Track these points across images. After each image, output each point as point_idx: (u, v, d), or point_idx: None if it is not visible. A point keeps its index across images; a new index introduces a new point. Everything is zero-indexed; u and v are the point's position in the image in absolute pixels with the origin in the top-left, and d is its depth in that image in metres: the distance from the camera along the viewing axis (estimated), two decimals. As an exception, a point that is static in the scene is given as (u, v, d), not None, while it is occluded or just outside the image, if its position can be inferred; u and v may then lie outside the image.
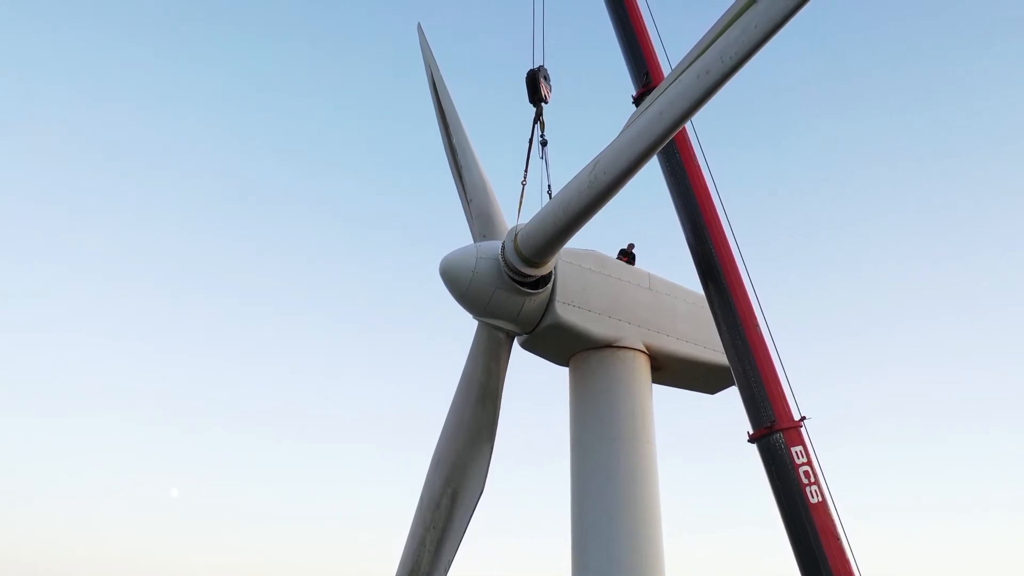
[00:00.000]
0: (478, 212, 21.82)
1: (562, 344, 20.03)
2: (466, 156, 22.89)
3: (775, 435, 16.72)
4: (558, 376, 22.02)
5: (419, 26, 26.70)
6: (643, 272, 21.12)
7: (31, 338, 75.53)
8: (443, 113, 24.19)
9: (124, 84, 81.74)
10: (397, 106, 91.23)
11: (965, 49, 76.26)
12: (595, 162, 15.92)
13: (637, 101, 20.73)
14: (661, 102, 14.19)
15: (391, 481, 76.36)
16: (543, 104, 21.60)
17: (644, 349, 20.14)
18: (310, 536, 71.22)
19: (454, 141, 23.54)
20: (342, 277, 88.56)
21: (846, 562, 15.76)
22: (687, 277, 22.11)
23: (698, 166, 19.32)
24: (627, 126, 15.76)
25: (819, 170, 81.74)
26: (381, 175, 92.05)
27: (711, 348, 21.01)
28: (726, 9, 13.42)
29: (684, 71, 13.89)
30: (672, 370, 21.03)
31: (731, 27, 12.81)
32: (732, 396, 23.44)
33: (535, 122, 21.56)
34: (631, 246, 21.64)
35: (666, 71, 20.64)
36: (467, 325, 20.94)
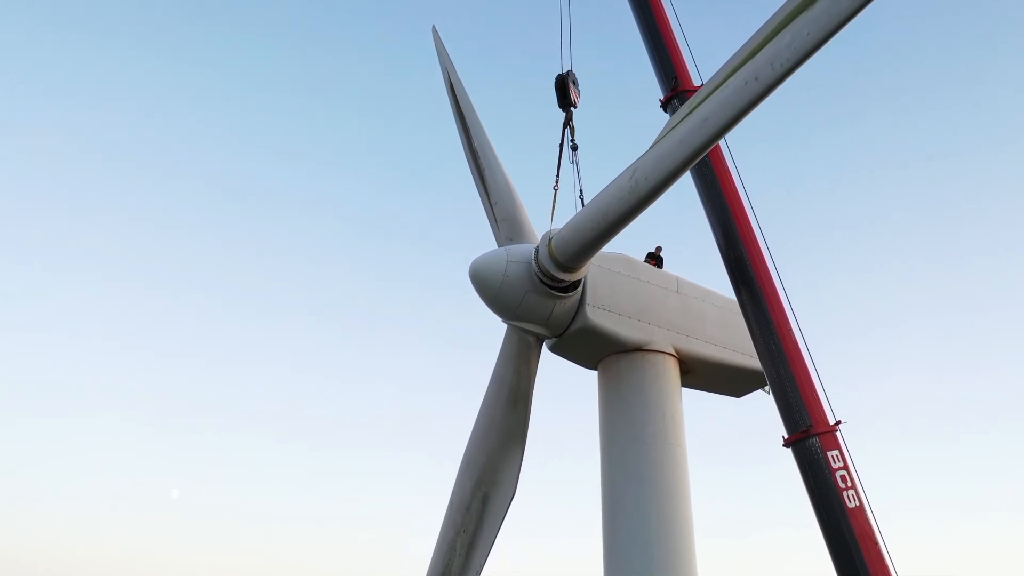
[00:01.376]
0: (503, 215, 21.81)
1: (592, 347, 20.06)
2: (488, 159, 22.88)
3: (811, 439, 16.77)
4: (581, 378, 22.12)
5: (434, 28, 26.65)
6: (671, 275, 21.15)
7: (30, 338, 75.48)
8: (462, 116, 24.18)
9: (138, 88, 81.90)
10: (407, 108, 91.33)
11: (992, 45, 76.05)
12: (634, 168, 15.92)
13: (665, 105, 20.77)
14: (706, 108, 14.19)
15: (391, 482, 76.55)
16: (572, 108, 21.59)
17: (674, 353, 20.18)
18: (310, 536, 71.31)
19: (475, 144, 23.51)
20: (341, 278, 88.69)
21: (885, 567, 15.82)
22: (708, 279, 22.29)
23: (728, 169, 19.37)
24: (665, 131, 15.73)
25: (846, 167, 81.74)
26: (387, 176, 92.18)
27: (740, 352, 21.09)
28: (773, 12, 13.41)
29: (730, 77, 13.86)
30: (701, 373, 21.06)
31: (781, 33, 12.80)
32: (756, 399, 23.71)
33: (565, 127, 21.57)
34: (659, 249, 21.68)
35: (693, 75, 20.73)
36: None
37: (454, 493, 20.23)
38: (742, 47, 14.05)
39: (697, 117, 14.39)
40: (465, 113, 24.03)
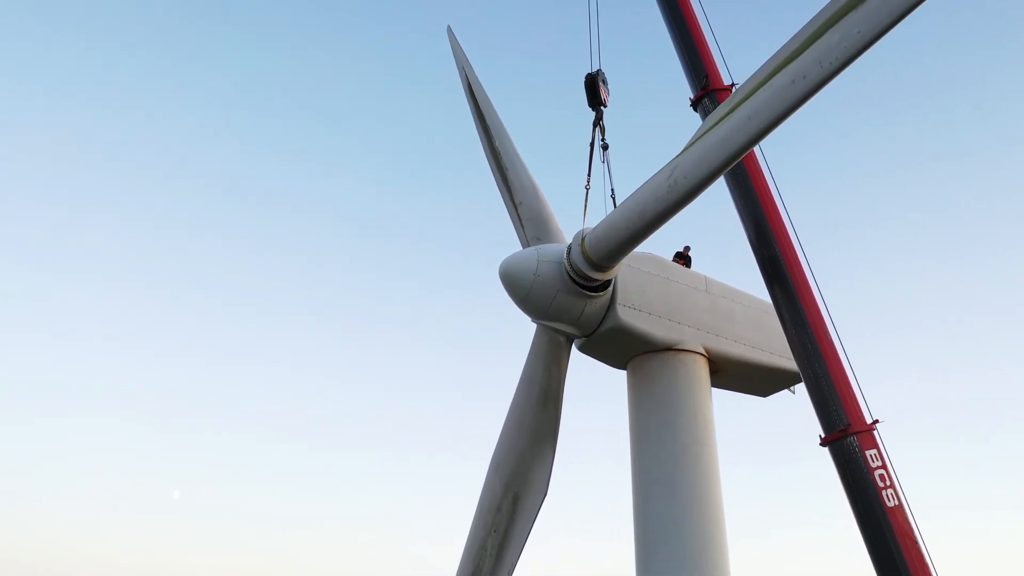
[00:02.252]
0: (529, 215, 21.75)
1: (622, 347, 20.01)
2: (511, 158, 22.81)
3: (849, 439, 16.74)
4: (604, 377, 22.03)
5: (449, 29, 26.58)
6: (699, 275, 21.11)
7: (30, 338, 75.35)
8: (481, 116, 24.10)
9: (140, 87, 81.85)
10: (410, 108, 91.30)
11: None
12: (673, 166, 15.86)
13: (695, 104, 20.74)
14: (750, 106, 14.13)
15: (391, 482, 76.54)
16: (603, 107, 21.54)
17: (704, 352, 20.13)
18: (311, 536, 71.31)
19: (496, 144, 23.44)
20: (340, 277, 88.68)
21: (925, 565, 15.80)
22: (729, 278, 22.26)
23: (759, 167, 19.34)
24: (704, 129, 15.66)
25: (877, 162, 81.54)
26: (387, 175, 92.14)
27: (769, 351, 21.06)
28: (819, 10, 13.37)
29: (774, 75, 13.82)
30: (730, 373, 21.02)
31: (831, 31, 12.76)
32: (782, 398, 23.70)
33: (595, 126, 21.52)
34: (687, 248, 21.66)
35: (723, 74, 20.70)
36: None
37: (483, 494, 20.16)
38: (785, 45, 14.01)
39: (741, 115, 14.33)
40: (485, 113, 23.95)
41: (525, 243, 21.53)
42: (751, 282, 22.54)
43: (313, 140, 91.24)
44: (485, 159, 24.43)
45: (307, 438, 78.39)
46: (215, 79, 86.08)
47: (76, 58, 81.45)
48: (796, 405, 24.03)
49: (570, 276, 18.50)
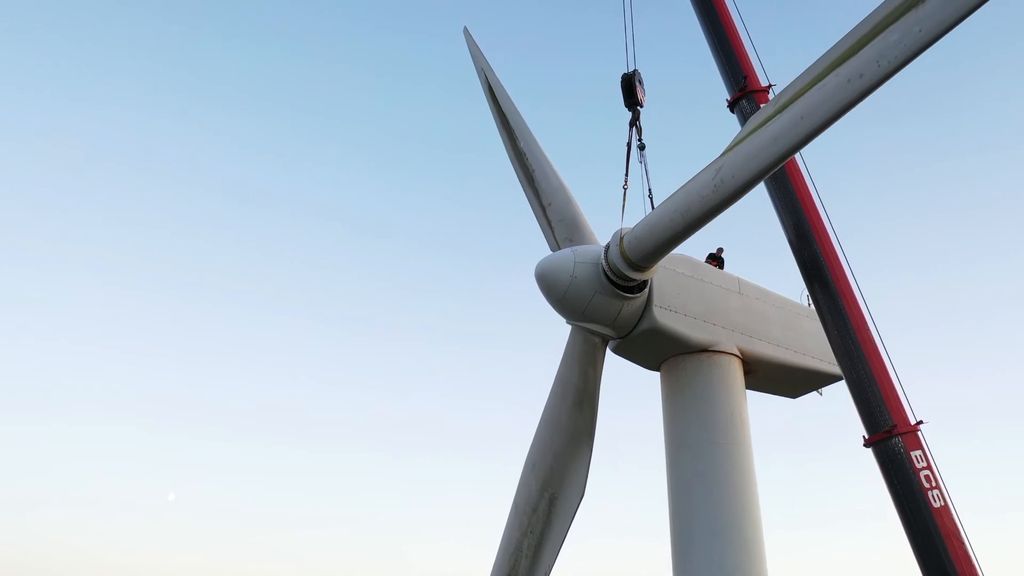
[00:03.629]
0: (560, 216, 21.66)
1: (657, 349, 19.95)
2: (538, 160, 22.71)
3: (893, 439, 16.70)
4: (634, 379, 21.91)
5: (466, 30, 26.45)
6: (733, 276, 21.08)
7: (27, 343, 75.08)
8: (504, 118, 24.01)
9: (149, 91, 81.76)
10: (415, 110, 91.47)
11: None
12: (719, 165, 15.80)
13: (732, 105, 20.73)
14: (802, 105, 14.07)
15: (387, 486, 76.51)
16: (639, 108, 21.52)
17: (738, 353, 20.09)
18: (309, 539, 71.25)
19: (521, 146, 23.34)
20: (339, 280, 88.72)
21: (972, 565, 15.76)
22: (760, 278, 22.21)
23: (798, 167, 19.32)
24: (749, 130, 15.60)
25: (922, 155, 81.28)
26: (388, 178, 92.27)
27: (802, 353, 21.06)
28: (874, 8, 13.32)
29: (827, 74, 13.77)
30: (763, 375, 20.98)
31: (889, 30, 12.71)
32: (810, 400, 23.66)
33: (631, 126, 21.49)
34: (720, 250, 21.64)
35: (760, 75, 20.68)
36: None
37: (518, 495, 20.09)
38: (837, 44, 13.93)
39: (792, 115, 14.26)
40: (508, 115, 23.84)
41: (554, 245, 21.43)
42: (778, 282, 22.60)
43: (314, 142, 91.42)
44: (508, 160, 24.38)
45: (305, 441, 78.65)
46: (218, 83, 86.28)
47: (76, 60, 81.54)
48: (824, 406, 24.09)
49: (607, 277, 18.42)
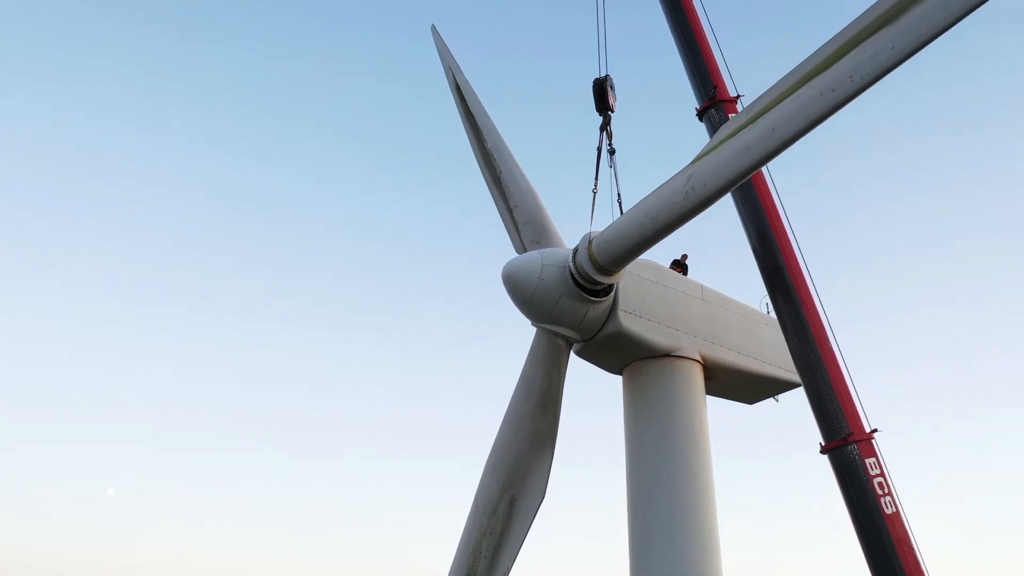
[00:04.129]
0: (527, 219, 21.64)
1: (620, 352, 20.09)
2: (506, 161, 22.64)
3: (849, 447, 17.11)
4: (598, 382, 22.06)
5: (433, 28, 26.29)
6: (696, 283, 21.35)
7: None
8: (472, 118, 23.93)
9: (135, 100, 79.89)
10: (396, 112, 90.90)
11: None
12: (690, 172, 15.99)
13: (701, 114, 21.02)
14: (776, 116, 14.30)
15: (387, 486, 76.21)
16: (610, 113, 21.67)
17: (700, 359, 20.36)
18: (307, 540, 70.79)
19: (489, 146, 23.25)
20: (314, 281, 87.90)
21: (921, 570, 16.22)
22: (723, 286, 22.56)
23: (763, 177, 19.68)
24: (721, 139, 15.81)
25: (875, 169, 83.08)
26: (371, 179, 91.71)
27: (762, 360, 21.41)
28: (844, 24, 13.62)
29: (800, 87, 14.02)
30: (723, 381, 21.29)
31: (862, 45, 12.99)
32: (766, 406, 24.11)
33: (602, 131, 21.63)
34: (684, 256, 21.92)
35: (729, 84, 21.02)
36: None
37: (479, 496, 20.00)
38: (810, 57, 14.17)
39: (764, 126, 14.49)
40: (475, 114, 23.73)
41: (520, 247, 21.42)
42: (740, 290, 22.98)
43: (297, 145, 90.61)
44: (475, 160, 24.30)
45: (305, 441, 78.54)
46: (183, 84, 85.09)
47: (63, 65, 79.60)
48: (779, 412, 24.57)
49: (575, 280, 18.49)
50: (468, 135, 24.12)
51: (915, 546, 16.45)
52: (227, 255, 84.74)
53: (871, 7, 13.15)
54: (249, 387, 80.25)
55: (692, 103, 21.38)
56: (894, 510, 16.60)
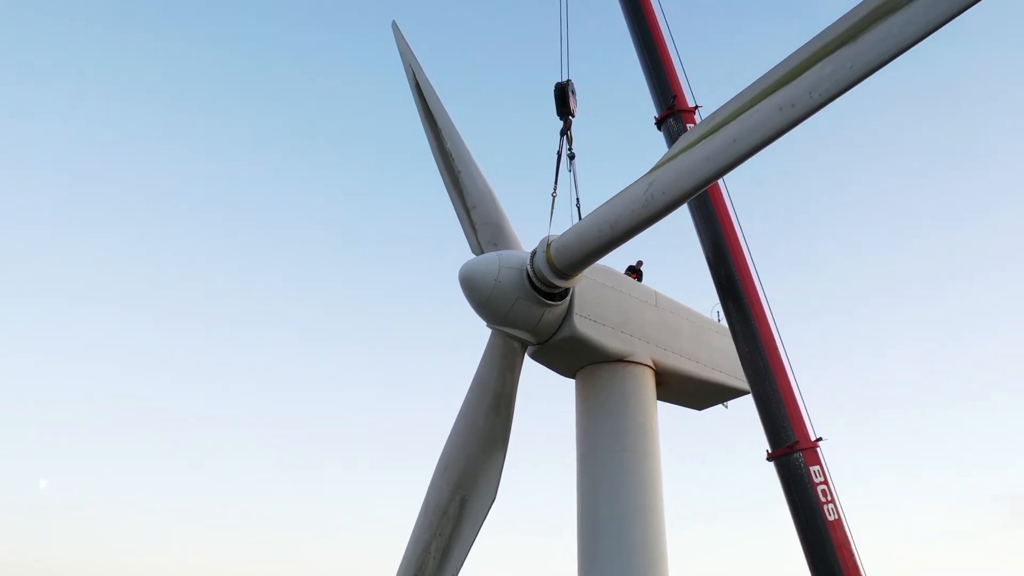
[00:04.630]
0: (484, 220, 21.66)
1: (574, 356, 20.23)
2: (465, 162, 22.62)
3: (795, 455, 17.49)
4: (543, 381, 22.19)
5: (394, 25, 26.15)
6: (650, 289, 21.61)
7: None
8: (431, 117, 23.84)
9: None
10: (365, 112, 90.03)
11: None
12: (650, 180, 16.17)
13: (660, 123, 21.28)
14: (736, 129, 14.54)
15: (386, 487, 75.59)
16: (571, 117, 21.78)
17: (652, 365, 20.60)
18: (307, 540, 70.03)
19: (448, 146, 23.20)
20: (316, 281, 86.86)
21: (859, 575, 16.68)
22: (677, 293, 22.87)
23: (719, 188, 20.01)
24: (680, 148, 16.03)
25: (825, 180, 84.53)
26: (310, 173, 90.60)
27: (711, 367, 21.78)
28: (806, 42, 13.92)
29: (760, 100, 14.28)
30: (673, 387, 21.58)
31: (823, 62, 13.29)
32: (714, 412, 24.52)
33: (563, 135, 21.72)
34: (640, 263, 22.14)
35: (687, 95, 21.33)
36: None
37: (430, 496, 19.94)
38: (771, 71, 14.43)
39: (724, 137, 14.73)
40: (435, 114, 23.66)
41: (477, 248, 21.42)
42: (693, 296, 23.36)
43: (264, 144, 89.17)
44: (433, 160, 24.21)
45: (303, 444, 77.15)
46: (144, 84, 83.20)
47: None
48: (729, 419, 25.00)
49: (531, 283, 18.55)
50: (427, 134, 24.00)
51: (855, 551, 16.91)
52: (194, 254, 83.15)
53: (831, 26, 13.49)
54: (228, 392, 79.14)
55: (652, 111, 21.64)
56: (836, 517, 17.03)
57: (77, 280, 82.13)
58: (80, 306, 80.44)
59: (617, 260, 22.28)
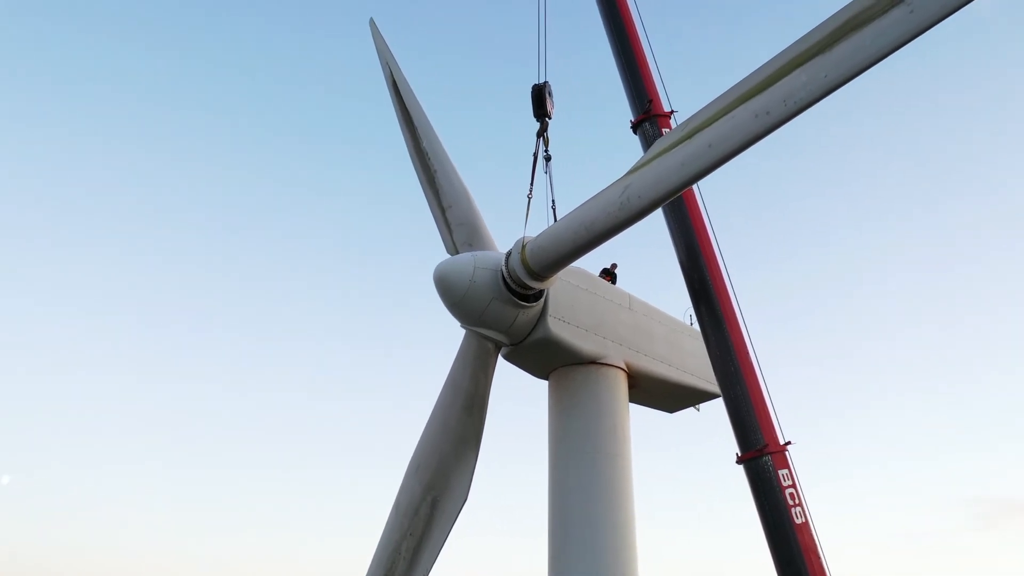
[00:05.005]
0: (460, 220, 21.62)
1: (548, 358, 20.28)
2: (441, 161, 22.56)
3: (764, 458, 17.69)
4: (524, 384, 22.21)
5: (372, 22, 26.03)
6: (624, 292, 21.73)
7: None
8: (408, 115, 23.77)
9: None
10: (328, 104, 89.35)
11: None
12: (626, 184, 16.25)
13: (635, 127, 21.40)
14: (711, 135, 14.66)
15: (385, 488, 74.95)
16: (548, 119, 21.83)
17: (624, 368, 20.71)
18: (306, 541, 69.37)
19: (424, 145, 23.13)
20: (227, 277, 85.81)
21: None
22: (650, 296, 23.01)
23: (693, 193, 20.17)
24: (656, 153, 16.12)
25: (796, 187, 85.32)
26: (296, 176, 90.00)
27: (683, 370, 21.93)
28: (782, 49, 14.07)
29: (736, 107, 14.41)
30: (645, 389, 21.70)
31: (797, 71, 13.45)
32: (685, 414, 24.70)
33: (539, 136, 21.77)
34: (614, 266, 22.25)
35: (663, 100, 21.48)
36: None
37: (401, 496, 19.88)
38: (747, 77, 14.56)
39: (700, 143, 14.84)
40: (411, 112, 23.57)
41: (452, 249, 21.38)
42: (666, 299, 23.50)
43: (203, 139, 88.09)
44: (409, 160, 24.12)
45: (302, 446, 76.36)
46: (115, 83, 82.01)
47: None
48: (701, 422, 25.21)
49: (506, 284, 18.56)
50: (403, 133, 23.91)
51: (822, 554, 17.14)
52: (176, 257, 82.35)
53: (806, 35, 13.64)
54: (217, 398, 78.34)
55: (628, 114, 21.76)
56: (804, 520, 17.25)
57: (78, 280, 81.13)
58: (80, 307, 79.47)
59: (592, 263, 22.44)
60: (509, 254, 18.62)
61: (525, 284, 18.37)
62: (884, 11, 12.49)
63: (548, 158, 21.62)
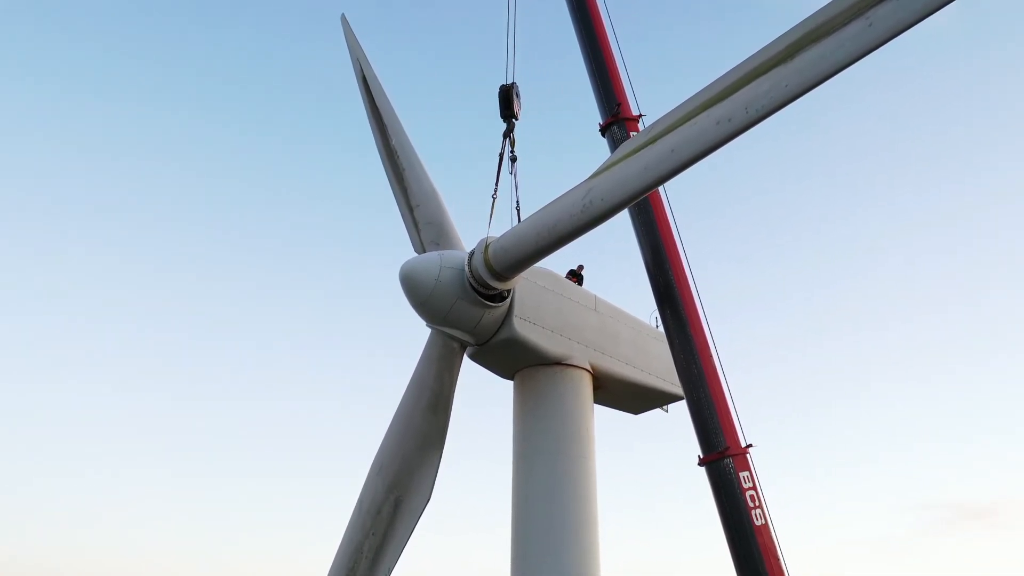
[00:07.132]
0: (428, 219, 21.56)
1: (513, 358, 20.30)
2: (410, 160, 22.48)
3: (725, 460, 17.84)
4: (489, 384, 22.27)
5: (343, 18, 25.91)
6: (590, 294, 21.80)
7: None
8: (377, 112, 23.66)
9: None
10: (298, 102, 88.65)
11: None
12: (589, 187, 16.29)
13: (604, 130, 21.46)
14: (674, 140, 14.75)
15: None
16: (514, 121, 21.83)
17: (590, 369, 20.79)
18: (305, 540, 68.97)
19: (393, 143, 23.04)
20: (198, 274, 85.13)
21: None
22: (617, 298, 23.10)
23: (660, 197, 20.28)
24: (619, 157, 16.18)
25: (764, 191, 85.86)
26: (264, 174, 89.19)
27: (648, 372, 22.04)
28: (751, 54, 14.15)
29: (699, 113, 14.51)
30: (610, 390, 21.79)
31: (760, 79, 13.56)
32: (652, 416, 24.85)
33: (506, 137, 21.75)
34: (580, 267, 22.31)
35: (632, 104, 21.55)
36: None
37: (364, 496, 19.81)
38: (711, 85, 14.66)
39: (663, 148, 14.92)
40: (381, 109, 23.45)
41: (419, 247, 21.33)
42: (631, 301, 23.62)
43: (187, 141, 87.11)
44: (379, 158, 24.00)
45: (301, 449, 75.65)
46: (84, 79, 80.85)
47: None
48: (667, 423, 25.38)
49: (470, 284, 18.56)
50: (372, 130, 23.79)
51: (781, 556, 17.34)
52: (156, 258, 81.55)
53: (769, 44, 13.76)
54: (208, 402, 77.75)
55: (596, 116, 21.82)
56: (763, 522, 17.43)
57: (78, 280, 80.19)
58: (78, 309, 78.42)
59: (559, 264, 22.50)
60: (472, 254, 18.62)
61: (488, 284, 18.38)
62: (844, 23, 12.64)
63: (514, 159, 21.63)
